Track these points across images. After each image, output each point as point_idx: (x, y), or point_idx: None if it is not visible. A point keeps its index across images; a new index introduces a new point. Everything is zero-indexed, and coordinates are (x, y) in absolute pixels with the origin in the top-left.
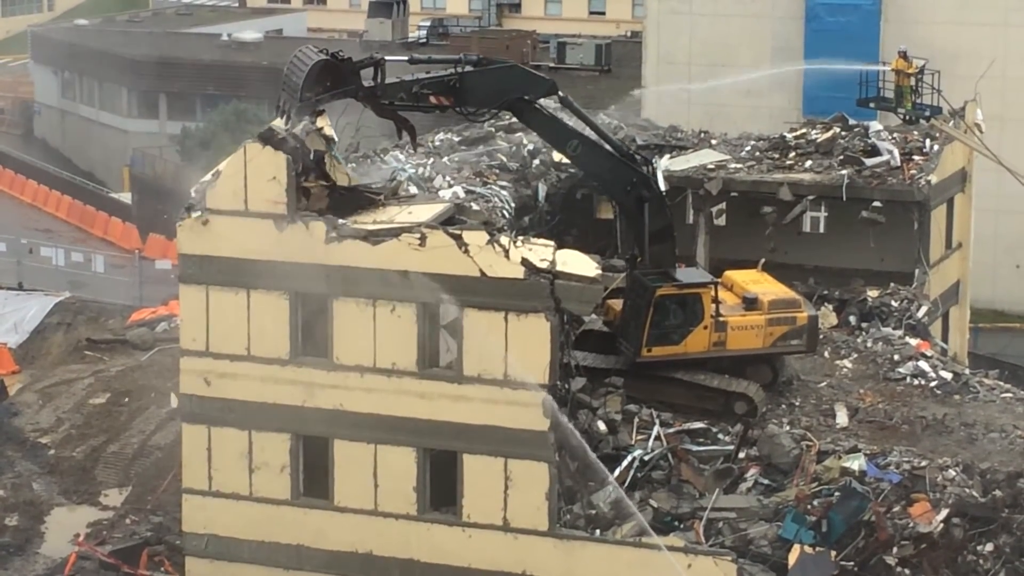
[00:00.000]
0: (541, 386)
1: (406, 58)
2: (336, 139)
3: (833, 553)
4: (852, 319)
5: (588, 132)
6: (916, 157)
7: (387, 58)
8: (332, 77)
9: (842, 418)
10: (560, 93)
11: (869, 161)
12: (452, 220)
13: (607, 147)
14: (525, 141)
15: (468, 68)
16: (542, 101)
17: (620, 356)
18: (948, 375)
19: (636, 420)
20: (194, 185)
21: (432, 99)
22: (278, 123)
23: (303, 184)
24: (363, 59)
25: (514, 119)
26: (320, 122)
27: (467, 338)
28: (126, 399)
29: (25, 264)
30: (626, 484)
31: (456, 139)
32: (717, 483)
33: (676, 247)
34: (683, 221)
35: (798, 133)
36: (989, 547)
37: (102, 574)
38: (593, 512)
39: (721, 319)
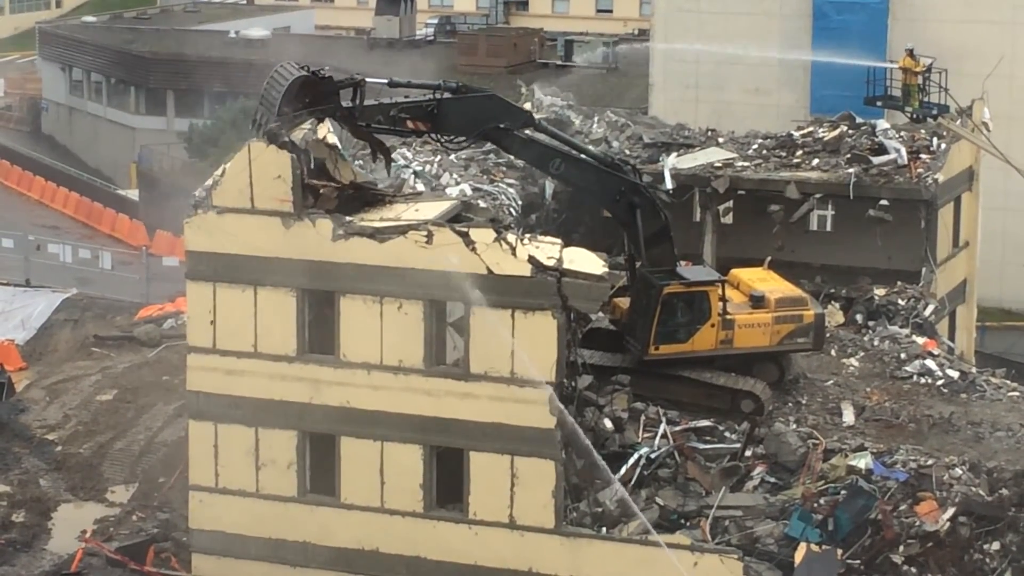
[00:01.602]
0: (548, 384)
1: (385, 80)
2: (340, 145)
3: (839, 551)
4: (859, 317)
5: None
6: (923, 155)
7: (367, 79)
8: (311, 94)
9: (849, 416)
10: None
11: (876, 159)
12: (459, 217)
13: (590, 160)
14: None
15: (447, 95)
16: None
17: (627, 354)
18: (955, 374)
19: (643, 418)
20: (201, 182)
21: (409, 123)
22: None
23: (311, 183)
24: (343, 79)
25: None
26: (321, 130)
27: (474, 336)
28: (133, 396)
29: (32, 260)
30: (632, 482)
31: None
32: (723, 481)
33: (675, 247)
34: (690, 219)
35: (805, 131)
36: (995, 546)
37: (109, 571)
38: (599, 510)
39: (728, 317)
